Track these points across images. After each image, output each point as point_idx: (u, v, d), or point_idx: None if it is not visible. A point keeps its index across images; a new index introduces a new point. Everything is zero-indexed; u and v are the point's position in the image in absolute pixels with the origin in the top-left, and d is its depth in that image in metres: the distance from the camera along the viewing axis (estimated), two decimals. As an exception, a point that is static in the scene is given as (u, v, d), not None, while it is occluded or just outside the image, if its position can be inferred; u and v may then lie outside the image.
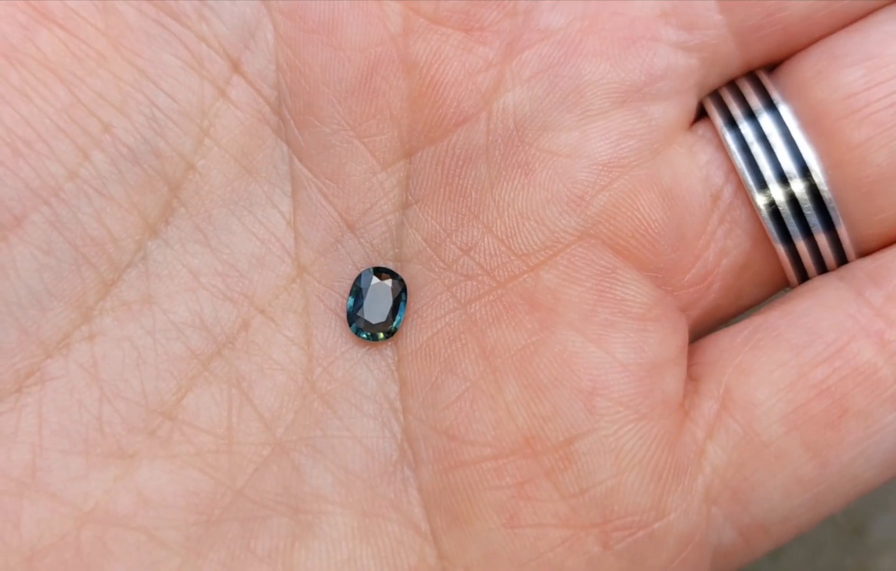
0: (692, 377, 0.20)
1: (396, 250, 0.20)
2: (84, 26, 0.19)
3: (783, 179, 0.19)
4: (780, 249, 0.20)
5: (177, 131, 0.19)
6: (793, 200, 0.19)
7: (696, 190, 0.20)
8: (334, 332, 0.19)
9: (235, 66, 0.19)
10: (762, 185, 0.20)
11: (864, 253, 0.20)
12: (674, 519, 0.19)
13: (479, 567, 0.19)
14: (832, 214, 0.19)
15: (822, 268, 0.20)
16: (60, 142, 0.18)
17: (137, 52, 0.19)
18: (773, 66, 0.20)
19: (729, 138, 0.20)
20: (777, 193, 0.19)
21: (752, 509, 0.19)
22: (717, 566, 0.20)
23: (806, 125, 0.20)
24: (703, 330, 0.20)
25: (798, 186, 0.19)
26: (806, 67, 0.20)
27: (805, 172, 0.19)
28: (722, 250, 0.20)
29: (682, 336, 0.20)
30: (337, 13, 0.19)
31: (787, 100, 0.20)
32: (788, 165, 0.19)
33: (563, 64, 0.19)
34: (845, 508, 0.19)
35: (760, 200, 0.20)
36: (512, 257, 0.19)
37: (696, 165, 0.20)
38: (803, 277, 0.20)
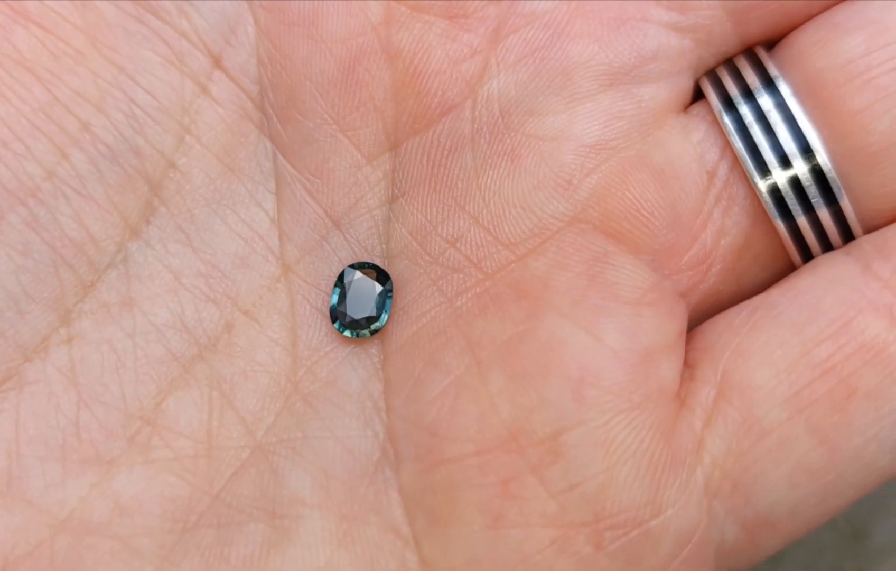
0: (688, 364, 0.19)
1: (384, 246, 0.19)
2: (61, 24, 0.18)
3: (785, 161, 0.19)
4: (781, 226, 0.19)
5: (157, 129, 0.19)
6: (794, 179, 0.19)
7: (690, 168, 0.19)
8: (320, 332, 0.19)
9: (216, 62, 0.19)
10: (763, 169, 0.19)
11: (870, 230, 0.19)
12: (671, 516, 0.18)
13: None
14: (834, 187, 0.19)
15: (827, 246, 0.19)
16: (38, 141, 0.18)
17: (116, 49, 0.19)
18: (772, 44, 0.20)
19: (726, 119, 0.19)
20: (780, 178, 0.19)
21: (756, 502, 0.18)
22: (722, 565, 0.18)
23: (804, 97, 0.19)
24: (704, 317, 0.19)
25: (801, 167, 0.19)
26: (804, 38, 0.19)
27: (807, 152, 0.19)
28: (720, 230, 0.19)
29: (679, 322, 0.19)
30: (317, 4, 0.19)
31: (784, 73, 0.19)
32: (786, 136, 0.19)
33: (549, 47, 0.19)
34: (846, 512, 0.18)
35: (762, 185, 0.19)
36: (499, 247, 0.19)
37: (690, 143, 0.19)
38: (807, 257, 0.19)
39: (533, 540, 0.18)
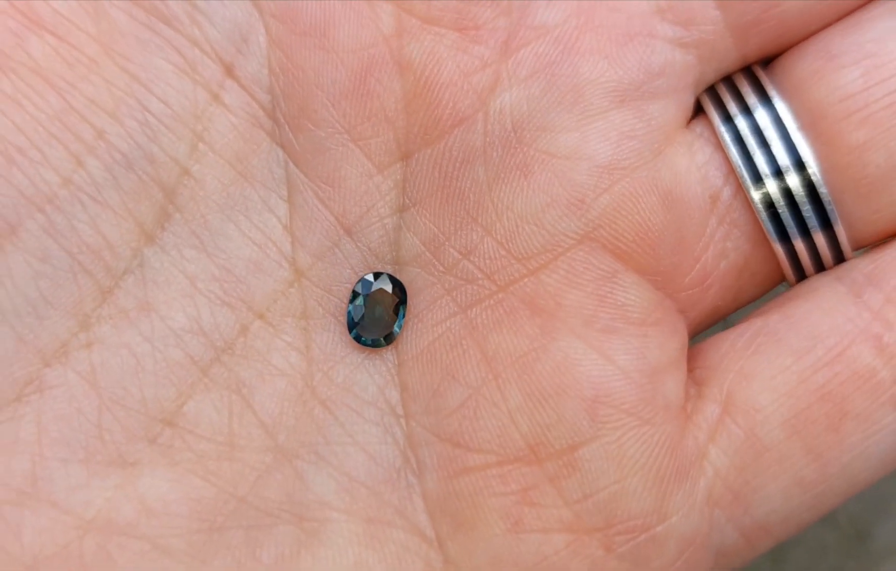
0: (695, 382, 0.20)
1: (394, 254, 0.20)
2: (75, 32, 0.19)
3: (779, 173, 0.20)
4: (778, 248, 0.20)
5: (171, 137, 0.19)
6: (789, 196, 0.20)
7: (694, 191, 0.20)
8: (334, 336, 0.19)
9: (228, 71, 0.19)
10: (758, 179, 0.20)
11: (859, 248, 0.20)
12: (675, 522, 0.19)
13: None
14: (830, 214, 0.20)
15: (820, 266, 0.20)
16: (54, 149, 0.18)
17: (129, 58, 0.19)
18: (768, 60, 0.20)
19: (725, 134, 0.20)
20: (772, 188, 0.20)
21: (754, 511, 0.19)
22: (719, 565, 0.20)
23: (804, 126, 0.20)
24: (700, 329, 0.21)
25: (794, 180, 0.20)
26: (803, 66, 0.20)
27: (800, 165, 0.19)
28: (721, 253, 0.20)
29: (681, 338, 0.20)
30: (329, 15, 0.19)
31: (783, 99, 0.20)
32: (784, 159, 0.20)
33: (560, 63, 0.19)
34: (848, 513, 0.20)
35: (756, 196, 0.20)
36: (512, 261, 0.19)
37: (695, 164, 0.20)
38: (800, 275, 0.20)
39: (550, 544, 0.19)
